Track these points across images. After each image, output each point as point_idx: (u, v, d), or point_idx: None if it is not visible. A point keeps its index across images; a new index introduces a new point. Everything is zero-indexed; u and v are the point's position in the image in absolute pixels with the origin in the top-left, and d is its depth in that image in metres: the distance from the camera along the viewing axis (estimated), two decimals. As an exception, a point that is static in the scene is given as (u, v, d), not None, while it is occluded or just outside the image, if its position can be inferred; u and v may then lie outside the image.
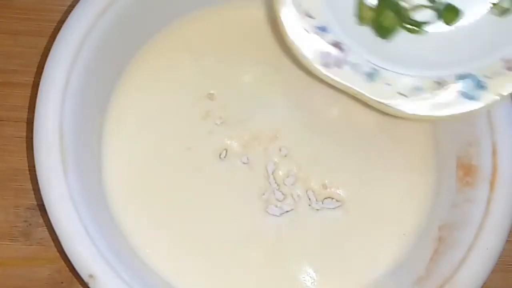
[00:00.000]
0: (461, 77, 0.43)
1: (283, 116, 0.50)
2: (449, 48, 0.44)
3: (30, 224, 0.48)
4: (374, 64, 0.43)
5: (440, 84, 0.43)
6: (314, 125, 0.50)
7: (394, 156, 0.50)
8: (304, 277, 0.47)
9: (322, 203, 0.49)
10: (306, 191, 0.49)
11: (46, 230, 0.48)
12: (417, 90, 0.43)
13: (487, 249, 0.44)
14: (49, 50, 0.45)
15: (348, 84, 0.43)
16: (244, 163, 0.49)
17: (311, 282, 0.47)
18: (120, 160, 0.48)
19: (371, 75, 0.43)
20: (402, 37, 0.45)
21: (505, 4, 0.44)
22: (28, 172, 0.49)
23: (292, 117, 0.50)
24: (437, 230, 0.47)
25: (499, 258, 0.44)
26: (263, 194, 0.49)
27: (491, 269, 0.44)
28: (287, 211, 0.48)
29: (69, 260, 0.42)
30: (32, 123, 0.44)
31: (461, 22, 0.45)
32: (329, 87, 0.51)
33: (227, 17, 0.51)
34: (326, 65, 0.43)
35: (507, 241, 0.45)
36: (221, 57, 0.51)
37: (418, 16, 0.45)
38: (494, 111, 0.46)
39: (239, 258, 0.47)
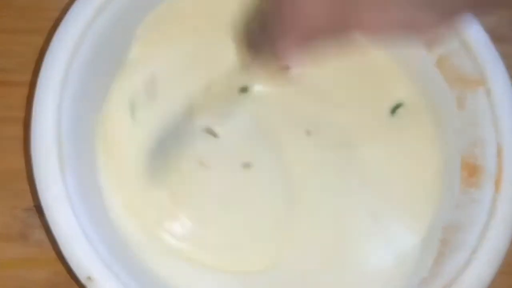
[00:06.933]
0: None
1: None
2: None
3: (27, 226, 0.48)
4: None
5: None
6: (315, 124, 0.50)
7: (397, 157, 0.50)
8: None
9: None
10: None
11: (43, 231, 0.48)
12: None
13: (492, 250, 0.44)
14: (46, 49, 0.44)
15: None
16: (245, 162, 0.49)
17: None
18: (118, 161, 0.48)
19: None
20: None
21: None
22: (25, 173, 0.49)
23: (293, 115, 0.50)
24: (441, 231, 0.47)
25: (504, 259, 0.44)
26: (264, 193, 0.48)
27: (496, 271, 0.44)
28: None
29: (66, 262, 0.42)
30: (30, 123, 0.43)
31: None
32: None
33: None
34: None
35: (512, 242, 0.44)
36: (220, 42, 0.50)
37: None
38: (499, 111, 0.46)
39: (240, 258, 0.47)
